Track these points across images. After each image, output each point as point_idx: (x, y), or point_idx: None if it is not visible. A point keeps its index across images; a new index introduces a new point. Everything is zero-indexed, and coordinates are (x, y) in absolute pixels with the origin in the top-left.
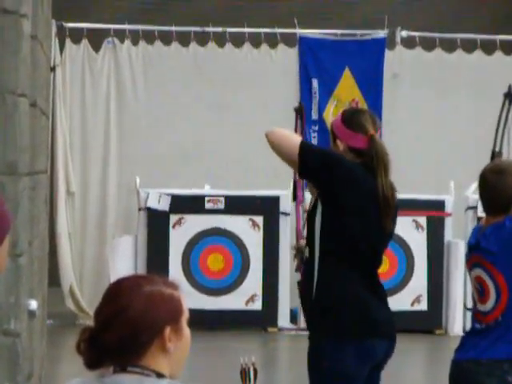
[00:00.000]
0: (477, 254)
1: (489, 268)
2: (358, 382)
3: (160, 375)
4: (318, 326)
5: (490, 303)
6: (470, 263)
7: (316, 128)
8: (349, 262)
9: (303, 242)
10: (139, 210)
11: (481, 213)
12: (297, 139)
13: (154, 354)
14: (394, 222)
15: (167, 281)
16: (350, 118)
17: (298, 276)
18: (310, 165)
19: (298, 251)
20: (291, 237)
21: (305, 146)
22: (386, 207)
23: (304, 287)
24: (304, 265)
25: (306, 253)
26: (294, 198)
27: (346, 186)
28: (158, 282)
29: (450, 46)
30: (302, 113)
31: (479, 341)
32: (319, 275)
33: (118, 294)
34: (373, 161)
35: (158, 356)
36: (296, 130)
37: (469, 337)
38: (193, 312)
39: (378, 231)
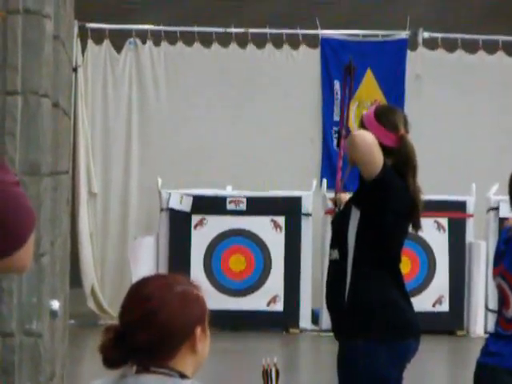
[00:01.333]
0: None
1: (508, 279)
2: (391, 382)
3: (183, 376)
4: (352, 328)
5: (511, 311)
6: (498, 271)
7: (337, 129)
8: (383, 265)
9: (344, 195)
10: (161, 210)
11: (503, 214)
12: (380, 155)
13: (184, 354)
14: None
15: (191, 280)
16: (383, 115)
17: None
18: (386, 183)
19: (336, 203)
20: (313, 238)
21: (386, 167)
22: (414, 210)
23: (333, 289)
24: (332, 266)
25: (335, 255)
26: (338, 144)
27: (395, 201)
28: (184, 281)
29: (471, 47)
30: (350, 71)
31: (503, 347)
32: (353, 278)
33: (150, 294)
34: (401, 161)
35: (187, 356)
36: (344, 89)
37: (492, 339)
38: (214, 313)
39: (405, 233)
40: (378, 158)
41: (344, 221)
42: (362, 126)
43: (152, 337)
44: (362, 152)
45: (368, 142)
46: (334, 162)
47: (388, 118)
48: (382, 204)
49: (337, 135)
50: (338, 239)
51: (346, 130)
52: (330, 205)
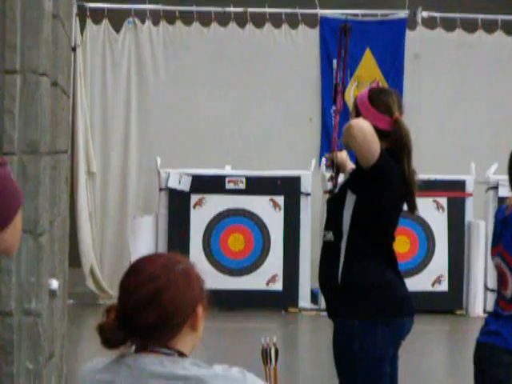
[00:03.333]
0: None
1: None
2: (387, 362)
3: (182, 354)
4: (346, 308)
5: (509, 291)
6: (496, 250)
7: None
8: (377, 246)
9: (340, 154)
10: (160, 190)
11: (502, 193)
12: (377, 143)
13: (184, 333)
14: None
15: (188, 259)
16: (377, 98)
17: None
18: (384, 170)
19: (333, 162)
20: (312, 217)
21: (383, 153)
22: (409, 193)
23: (327, 268)
24: (326, 247)
25: (330, 236)
26: (334, 100)
27: (392, 187)
28: (184, 260)
29: (470, 27)
30: (346, 32)
31: (502, 327)
32: (346, 258)
33: (154, 274)
34: (396, 145)
35: (187, 335)
36: (339, 50)
37: (492, 318)
38: (214, 292)
39: (399, 214)
40: (375, 148)
41: (339, 203)
42: (356, 107)
43: (158, 317)
44: (360, 143)
45: (365, 132)
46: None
47: (382, 100)
48: (378, 190)
49: (333, 89)
50: (333, 221)
51: (343, 85)
52: (330, 186)
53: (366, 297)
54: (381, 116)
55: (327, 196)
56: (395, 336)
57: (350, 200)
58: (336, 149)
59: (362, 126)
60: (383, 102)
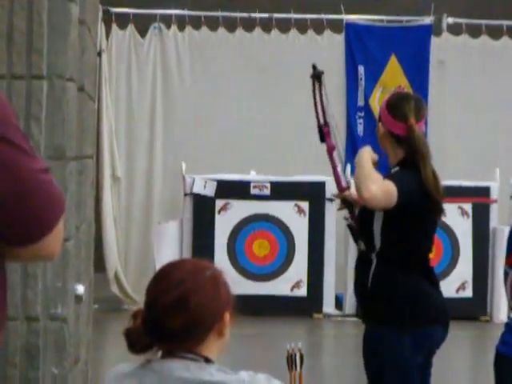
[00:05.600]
0: None
1: None
2: (415, 369)
3: (208, 360)
4: (377, 314)
5: None
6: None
7: (362, 114)
8: (409, 257)
9: (348, 193)
10: (185, 195)
11: None
12: (392, 193)
13: (211, 339)
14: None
15: (215, 266)
16: (394, 105)
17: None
18: (404, 204)
19: (344, 201)
20: (337, 223)
21: (399, 189)
22: (432, 200)
23: (359, 276)
24: (360, 255)
25: (362, 246)
26: (322, 140)
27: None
28: (211, 266)
29: (496, 33)
30: (320, 80)
31: None
32: (377, 267)
33: (181, 278)
34: (412, 151)
35: (214, 340)
36: (316, 103)
37: (508, 328)
38: (238, 298)
39: (433, 225)
40: (391, 200)
41: (369, 215)
42: (379, 114)
43: (185, 321)
44: (377, 207)
45: (379, 201)
46: (358, 147)
47: (399, 107)
48: (403, 212)
49: (318, 130)
50: (364, 231)
51: (327, 125)
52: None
53: (395, 305)
54: (396, 123)
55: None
56: (424, 344)
57: (379, 214)
58: (343, 186)
59: (376, 199)
60: (399, 109)
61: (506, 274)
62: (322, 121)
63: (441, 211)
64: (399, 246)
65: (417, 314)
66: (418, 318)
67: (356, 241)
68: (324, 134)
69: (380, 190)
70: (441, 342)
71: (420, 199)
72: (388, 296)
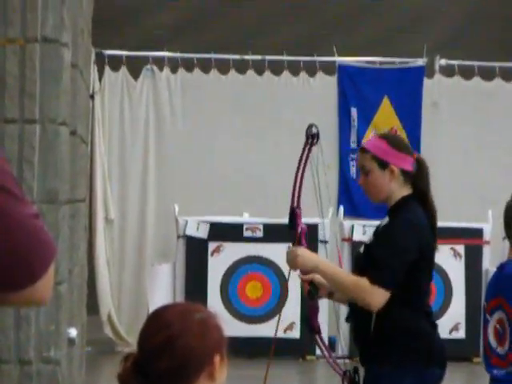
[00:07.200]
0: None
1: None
2: None
3: None
4: (377, 355)
5: (506, 345)
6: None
7: (355, 156)
8: (410, 295)
9: (312, 276)
10: (178, 237)
11: None
12: (375, 290)
13: (203, 381)
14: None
15: (208, 309)
16: (398, 141)
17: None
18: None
19: (315, 289)
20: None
21: (383, 282)
22: (436, 229)
23: (359, 316)
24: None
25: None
26: (292, 226)
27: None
28: (202, 309)
29: (488, 74)
30: (314, 138)
31: None
32: (381, 308)
33: (169, 321)
34: (422, 183)
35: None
36: (305, 160)
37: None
38: (231, 340)
39: (432, 266)
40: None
41: (367, 261)
42: (377, 160)
43: (171, 364)
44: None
45: (386, 297)
46: (351, 189)
47: (402, 142)
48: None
49: (290, 212)
50: (363, 275)
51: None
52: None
53: (396, 345)
54: (407, 157)
55: (345, 243)
56: None
57: None
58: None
59: (381, 302)
60: (404, 144)
61: (486, 322)
62: (295, 203)
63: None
64: (402, 288)
65: (418, 355)
66: (419, 359)
67: (356, 333)
68: (296, 215)
69: (378, 295)
70: (439, 382)
71: (430, 240)
72: (391, 337)
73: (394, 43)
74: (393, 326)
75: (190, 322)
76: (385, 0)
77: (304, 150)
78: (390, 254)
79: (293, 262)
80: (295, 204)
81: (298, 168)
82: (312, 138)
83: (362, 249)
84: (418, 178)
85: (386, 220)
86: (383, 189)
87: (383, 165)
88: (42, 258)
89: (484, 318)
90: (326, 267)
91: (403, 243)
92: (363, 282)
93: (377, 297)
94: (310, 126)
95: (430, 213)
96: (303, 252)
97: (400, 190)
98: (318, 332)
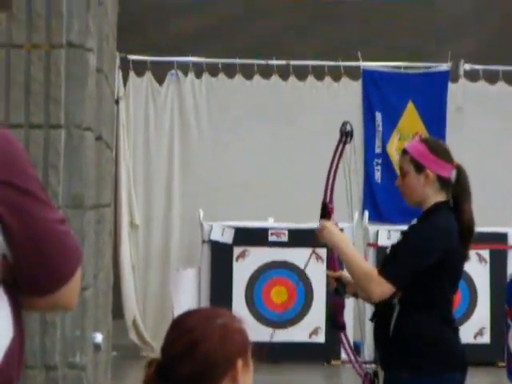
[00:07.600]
0: None
1: None
2: None
3: None
4: (397, 361)
5: None
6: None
7: (380, 161)
8: (432, 300)
9: (340, 273)
10: (203, 242)
11: None
12: (381, 281)
13: None
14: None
15: (233, 313)
16: (438, 147)
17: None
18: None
19: (337, 280)
20: None
21: (391, 277)
22: (468, 240)
23: (380, 322)
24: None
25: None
26: (324, 215)
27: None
28: (226, 314)
29: None
30: (348, 136)
31: None
32: (399, 312)
33: (191, 327)
34: (459, 191)
35: None
36: (338, 157)
37: None
38: (256, 344)
39: (460, 268)
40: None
41: (391, 261)
42: (415, 162)
43: (193, 369)
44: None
45: (391, 291)
46: (376, 194)
47: (443, 149)
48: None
49: (321, 207)
50: None
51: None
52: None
53: (416, 350)
54: (446, 164)
55: (370, 248)
56: None
57: None
58: (337, 269)
59: (385, 295)
60: (444, 151)
61: (508, 327)
62: (328, 198)
63: (468, 255)
64: (424, 292)
65: (437, 360)
66: (438, 363)
67: (377, 338)
68: (328, 210)
69: (381, 287)
70: None
71: (457, 246)
72: (410, 342)
73: (418, 48)
74: (412, 330)
75: (212, 328)
76: (409, 6)
77: (338, 147)
78: (407, 253)
79: (319, 233)
80: (327, 199)
81: (332, 164)
82: (346, 135)
83: (388, 249)
84: (456, 186)
85: (414, 221)
86: (417, 192)
87: (419, 168)
88: (68, 262)
89: (506, 323)
90: (348, 248)
91: (423, 245)
92: (373, 272)
93: (379, 289)
94: (345, 124)
95: (464, 222)
96: (331, 226)
97: (435, 196)
98: (343, 328)
